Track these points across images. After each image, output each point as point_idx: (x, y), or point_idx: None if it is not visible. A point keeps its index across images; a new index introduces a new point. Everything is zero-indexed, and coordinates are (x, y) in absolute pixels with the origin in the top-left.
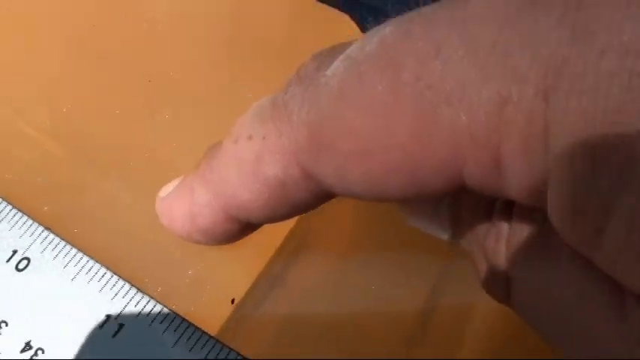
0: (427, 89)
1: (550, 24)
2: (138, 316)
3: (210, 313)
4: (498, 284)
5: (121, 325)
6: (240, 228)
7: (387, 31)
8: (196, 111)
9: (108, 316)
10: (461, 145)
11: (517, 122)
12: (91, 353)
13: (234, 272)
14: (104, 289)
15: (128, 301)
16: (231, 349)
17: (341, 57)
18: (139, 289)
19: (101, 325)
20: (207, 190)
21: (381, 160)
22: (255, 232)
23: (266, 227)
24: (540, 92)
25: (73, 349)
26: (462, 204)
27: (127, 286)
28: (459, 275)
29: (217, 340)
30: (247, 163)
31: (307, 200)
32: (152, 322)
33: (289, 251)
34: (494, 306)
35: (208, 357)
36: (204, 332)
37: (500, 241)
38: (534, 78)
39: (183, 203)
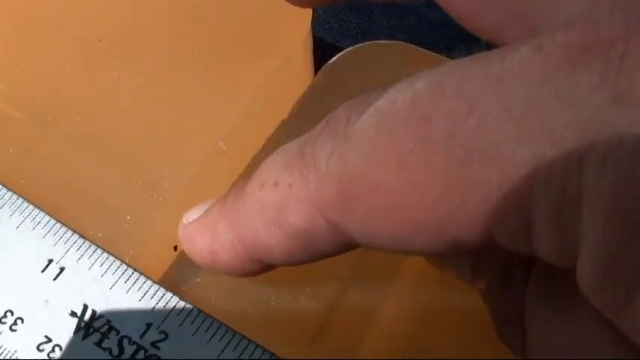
0: (459, 147)
1: (590, 86)
2: (78, 261)
3: (152, 260)
4: (513, 335)
5: (62, 269)
6: (260, 268)
7: (418, 85)
8: (143, 69)
9: (50, 260)
10: (491, 205)
11: (550, 186)
12: (33, 295)
13: (175, 220)
14: (47, 235)
15: (70, 246)
16: (168, 291)
17: (371, 110)
18: (80, 235)
19: (43, 269)
20: (231, 230)
21: (409, 217)
22: (194, 182)
23: (209, 177)
24: (576, 157)
25: (18, 292)
26: (482, 254)
27: (70, 232)
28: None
29: (154, 281)
30: (272, 210)
31: (331, 249)
32: (92, 265)
33: None
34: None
35: (145, 297)
36: (142, 274)
37: (519, 293)
38: (570, 142)
39: (205, 238)
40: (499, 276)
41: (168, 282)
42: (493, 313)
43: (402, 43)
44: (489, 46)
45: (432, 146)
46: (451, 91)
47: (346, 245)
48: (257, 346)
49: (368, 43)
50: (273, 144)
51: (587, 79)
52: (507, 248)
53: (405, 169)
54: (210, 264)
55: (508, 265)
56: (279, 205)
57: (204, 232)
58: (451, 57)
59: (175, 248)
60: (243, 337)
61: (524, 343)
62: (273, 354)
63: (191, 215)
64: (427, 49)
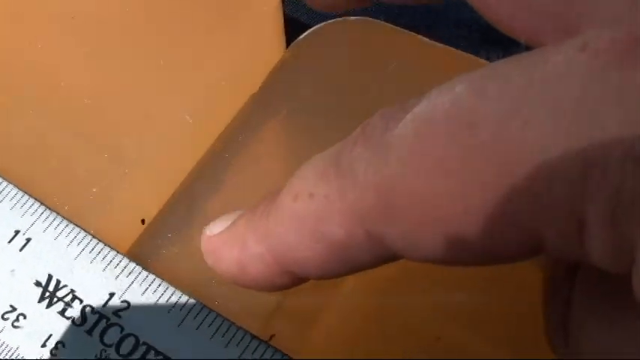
0: (505, 152)
1: None
2: (44, 232)
3: (118, 232)
4: (556, 336)
5: (28, 240)
6: (292, 281)
7: (458, 89)
8: (113, 45)
9: (16, 232)
10: (541, 211)
11: (604, 188)
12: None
13: (143, 192)
14: (15, 207)
15: (36, 218)
16: (131, 261)
17: (409, 116)
18: (46, 207)
19: (10, 240)
20: (261, 243)
21: (454, 227)
22: (161, 155)
23: (176, 150)
24: (631, 156)
25: None
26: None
27: (37, 204)
28: None
29: (118, 252)
30: (307, 222)
31: (370, 261)
32: (57, 236)
33: (201, 175)
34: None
35: (108, 267)
36: (106, 245)
37: (563, 294)
38: (624, 140)
39: (232, 251)
40: (548, 280)
41: (134, 254)
42: (543, 311)
43: (373, 20)
44: (482, 31)
45: (476, 151)
46: (494, 95)
47: (386, 257)
48: (217, 315)
49: (338, 19)
50: (242, 117)
51: (637, 74)
52: (557, 255)
53: (448, 176)
54: (237, 278)
55: (554, 266)
56: (315, 217)
57: (232, 246)
58: (430, 36)
59: (143, 222)
60: (204, 306)
61: (567, 345)
62: (233, 323)
63: (215, 227)
64: (405, 29)
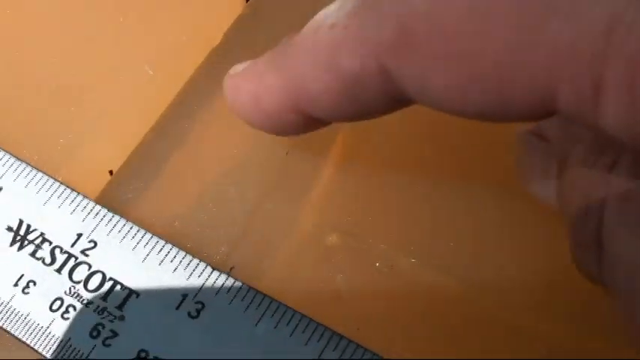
0: None
1: None
2: (15, 181)
3: (86, 182)
4: (589, 259)
5: None
6: (304, 121)
7: None
8: (76, 3)
9: None
10: (560, 63)
11: (627, 47)
12: None
13: (109, 144)
14: None
15: (7, 168)
16: (97, 204)
17: None
18: (17, 158)
19: None
20: (278, 75)
21: (471, 66)
22: (125, 106)
23: (139, 102)
24: None
25: None
26: (566, 175)
27: (7, 155)
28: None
29: (85, 196)
30: (324, 51)
31: (379, 102)
32: (27, 184)
33: (165, 126)
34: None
35: (76, 210)
36: (73, 190)
37: (596, 214)
38: None
39: (250, 83)
40: (578, 196)
41: (101, 200)
42: (570, 237)
43: None
44: None
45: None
46: None
47: (395, 99)
48: (179, 250)
49: None
50: (204, 71)
51: None
52: (568, 115)
53: (473, 13)
54: (252, 113)
55: (587, 184)
56: (332, 47)
57: (250, 79)
58: None
59: (111, 172)
60: (167, 242)
61: (600, 268)
62: (195, 256)
63: (239, 66)
64: None
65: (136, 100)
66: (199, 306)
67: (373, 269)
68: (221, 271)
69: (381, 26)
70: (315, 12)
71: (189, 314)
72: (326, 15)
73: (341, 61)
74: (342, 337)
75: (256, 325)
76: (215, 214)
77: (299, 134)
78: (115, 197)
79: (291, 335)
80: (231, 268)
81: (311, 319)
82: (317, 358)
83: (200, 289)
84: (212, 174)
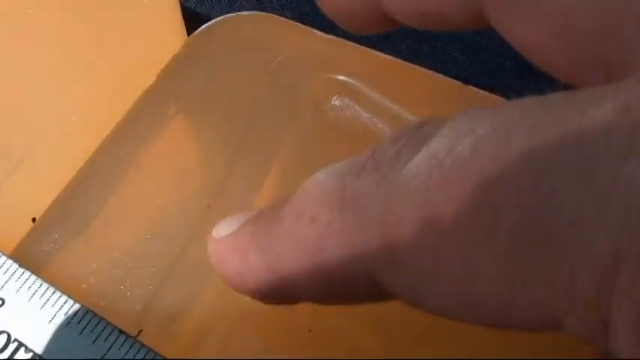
0: (527, 223)
1: None
2: None
3: (7, 231)
4: None
5: None
6: (286, 301)
7: (481, 131)
8: None
9: None
10: (561, 297)
11: (634, 293)
12: None
13: (32, 191)
14: None
15: None
16: (9, 258)
17: (425, 152)
18: None
19: None
20: (261, 257)
21: (461, 290)
22: (52, 155)
23: (65, 151)
24: None
25: None
26: None
27: None
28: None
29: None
30: (307, 247)
31: (366, 298)
32: None
33: (87, 175)
34: None
35: None
36: None
37: None
38: None
39: (234, 260)
40: None
41: (19, 252)
42: None
43: (269, 14)
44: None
45: (495, 215)
46: (520, 147)
47: (383, 297)
48: (87, 311)
49: (234, 14)
50: (132, 116)
51: None
52: (576, 338)
53: (462, 235)
54: (237, 287)
55: None
56: (315, 244)
57: (234, 254)
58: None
59: (34, 220)
60: (75, 302)
61: None
62: (103, 318)
63: (222, 230)
64: (315, 27)
65: (59, 146)
66: None
67: (298, 331)
68: (128, 335)
69: (365, 235)
70: (251, 53)
71: None
72: (306, 201)
73: (324, 260)
74: None
75: None
76: (132, 270)
77: (282, 304)
78: (34, 248)
79: None
80: (139, 332)
81: None
82: None
83: (106, 354)
84: (133, 226)
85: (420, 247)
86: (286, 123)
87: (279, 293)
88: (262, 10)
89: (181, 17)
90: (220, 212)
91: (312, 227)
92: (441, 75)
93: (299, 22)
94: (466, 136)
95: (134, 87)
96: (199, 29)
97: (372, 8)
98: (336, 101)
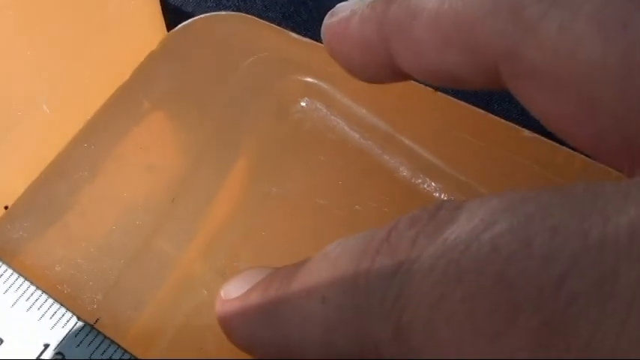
0: (545, 327)
1: None
2: None
3: None
4: None
5: None
6: None
7: (499, 229)
8: None
9: None
10: None
11: None
12: None
13: (4, 180)
14: None
15: None
16: None
17: (441, 245)
18: None
19: None
20: (270, 333)
21: None
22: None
23: (38, 142)
24: None
25: None
26: None
27: None
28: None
29: None
30: (319, 328)
31: None
32: None
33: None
34: None
35: None
36: None
37: None
38: None
39: (243, 329)
40: None
41: None
42: None
43: (245, 15)
44: None
45: (513, 317)
46: (540, 252)
47: None
48: (48, 297)
49: (212, 14)
50: (109, 107)
51: None
52: None
53: (478, 334)
54: (243, 350)
55: None
56: (326, 326)
57: (243, 324)
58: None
59: (6, 207)
60: (37, 288)
61: None
62: (63, 305)
63: (230, 291)
64: (298, 28)
65: (32, 136)
66: (59, 357)
67: None
68: (86, 323)
69: (378, 323)
70: (225, 52)
71: None
72: (318, 277)
73: (337, 345)
74: None
75: None
76: (96, 260)
77: None
78: (4, 235)
79: None
80: (96, 320)
81: None
82: None
83: (62, 340)
84: (100, 217)
85: (434, 346)
86: (254, 122)
87: None
88: (247, 10)
89: (161, 14)
90: (185, 206)
91: (323, 308)
92: (411, 81)
93: (282, 23)
94: (484, 232)
95: (110, 82)
96: (177, 27)
97: (384, 64)
98: (304, 102)
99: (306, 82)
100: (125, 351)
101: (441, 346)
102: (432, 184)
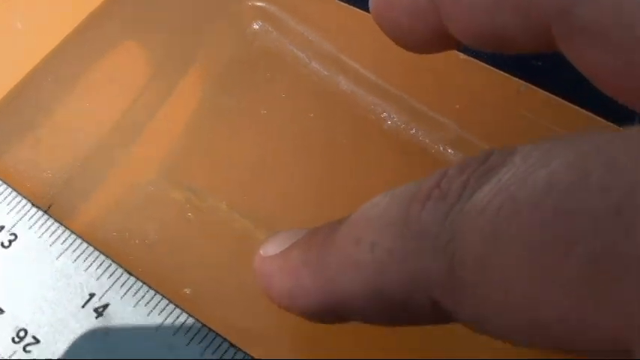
0: (602, 254)
1: None
2: None
3: None
4: None
5: None
6: (337, 320)
7: (556, 165)
8: None
9: None
10: (632, 329)
11: None
12: None
13: None
14: None
15: None
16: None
17: (495, 183)
18: None
19: None
20: (315, 279)
21: (531, 319)
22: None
23: (8, 59)
24: None
25: None
26: None
27: None
28: None
29: None
30: (366, 273)
31: (427, 321)
32: None
33: (26, 85)
34: None
35: None
36: None
37: None
38: None
39: (285, 282)
40: None
41: None
42: None
43: None
44: None
45: (570, 246)
46: (598, 182)
47: (445, 320)
48: (18, 194)
49: None
50: (80, 31)
51: None
52: None
53: (533, 267)
54: (286, 306)
55: None
56: (375, 271)
57: (285, 276)
58: None
59: None
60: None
61: None
62: (15, 189)
63: (270, 248)
64: None
65: (4, 53)
66: (12, 237)
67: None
68: (39, 208)
69: (430, 263)
70: None
71: (1, 244)
72: (366, 224)
73: (386, 288)
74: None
75: (57, 258)
76: (51, 155)
77: (331, 323)
78: None
79: (86, 270)
80: (49, 207)
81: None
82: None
83: (16, 224)
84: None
85: (488, 279)
86: (208, 41)
87: (331, 314)
88: None
89: None
90: (138, 114)
91: (373, 253)
92: (354, 7)
93: None
94: (540, 169)
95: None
96: None
97: (433, 29)
98: (256, 25)
99: (260, 6)
100: (73, 232)
101: (494, 282)
102: (370, 97)
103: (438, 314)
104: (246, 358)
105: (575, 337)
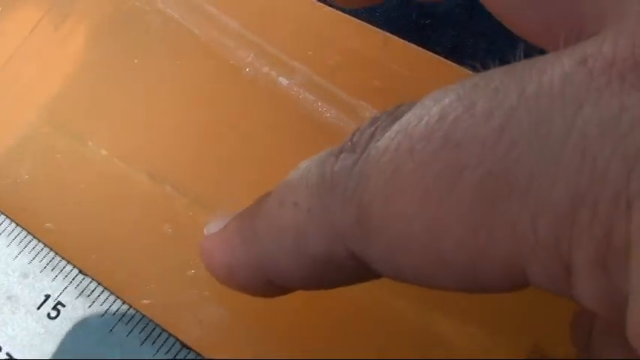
0: (489, 176)
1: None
2: None
3: None
4: (582, 341)
5: None
6: (276, 291)
7: (447, 101)
8: None
9: None
10: (524, 246)
11: (592, 231)
12: None
13: None
14: None
15: None
16: None
17: (396, 127)
18: None
19: None
20: (247, 250)
21: (433, 252)
22: None
23: None
24: (622, 197)
25: None
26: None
27: None
28: None
29: None
30: (289, 233)
31: (352, 278)
32: None
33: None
34: None
35: None
36: None
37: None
38: (616, 179)
39: (223, 254)
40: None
41: None
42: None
43: None
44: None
45: (459, 173)
46: (482, 110)
47: (368, 275)
48: None
49: None
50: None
51: (636, 102)
52: (544, 290)
53: (428, 197)
54: (226, 280)
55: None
56: (297, 230)
57: (221, 248)
58: None
59: None
60: None
61: (588, 350)
62: None
63: (212, 227)
64: None
65: None
66: None
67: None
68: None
69: (342, 212)
70: None
71: None
72: (288, 188)
73: (308, 246)
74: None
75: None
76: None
77: (273, 296)
78: None
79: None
80: None
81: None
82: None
83: None
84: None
85: (392, 217)
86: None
87: (267, 284)
88: None
89: None
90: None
91: (294, 212)
92: None
93: None
94: (434, 106)
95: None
96: None
97: None
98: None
99: None
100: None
101: (398, 220)
102: (273, 72)
103: (360, 267)
104: (197, 358)
105: (476, 269)
